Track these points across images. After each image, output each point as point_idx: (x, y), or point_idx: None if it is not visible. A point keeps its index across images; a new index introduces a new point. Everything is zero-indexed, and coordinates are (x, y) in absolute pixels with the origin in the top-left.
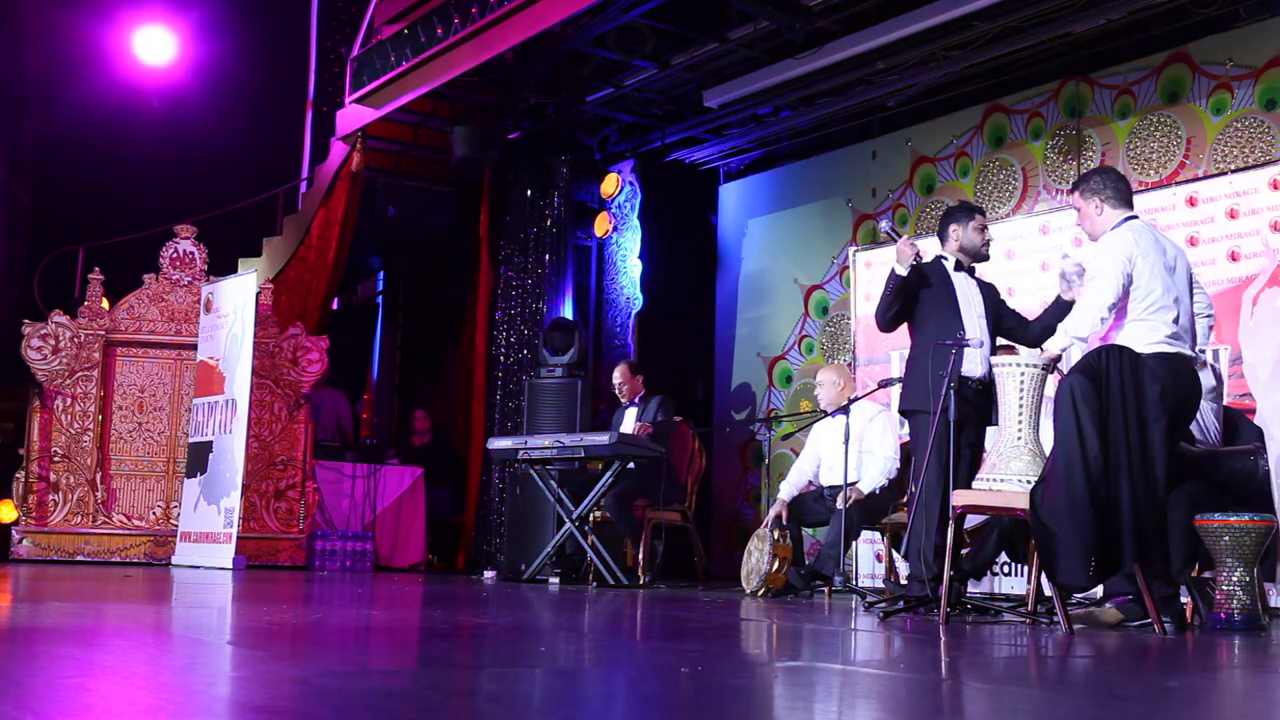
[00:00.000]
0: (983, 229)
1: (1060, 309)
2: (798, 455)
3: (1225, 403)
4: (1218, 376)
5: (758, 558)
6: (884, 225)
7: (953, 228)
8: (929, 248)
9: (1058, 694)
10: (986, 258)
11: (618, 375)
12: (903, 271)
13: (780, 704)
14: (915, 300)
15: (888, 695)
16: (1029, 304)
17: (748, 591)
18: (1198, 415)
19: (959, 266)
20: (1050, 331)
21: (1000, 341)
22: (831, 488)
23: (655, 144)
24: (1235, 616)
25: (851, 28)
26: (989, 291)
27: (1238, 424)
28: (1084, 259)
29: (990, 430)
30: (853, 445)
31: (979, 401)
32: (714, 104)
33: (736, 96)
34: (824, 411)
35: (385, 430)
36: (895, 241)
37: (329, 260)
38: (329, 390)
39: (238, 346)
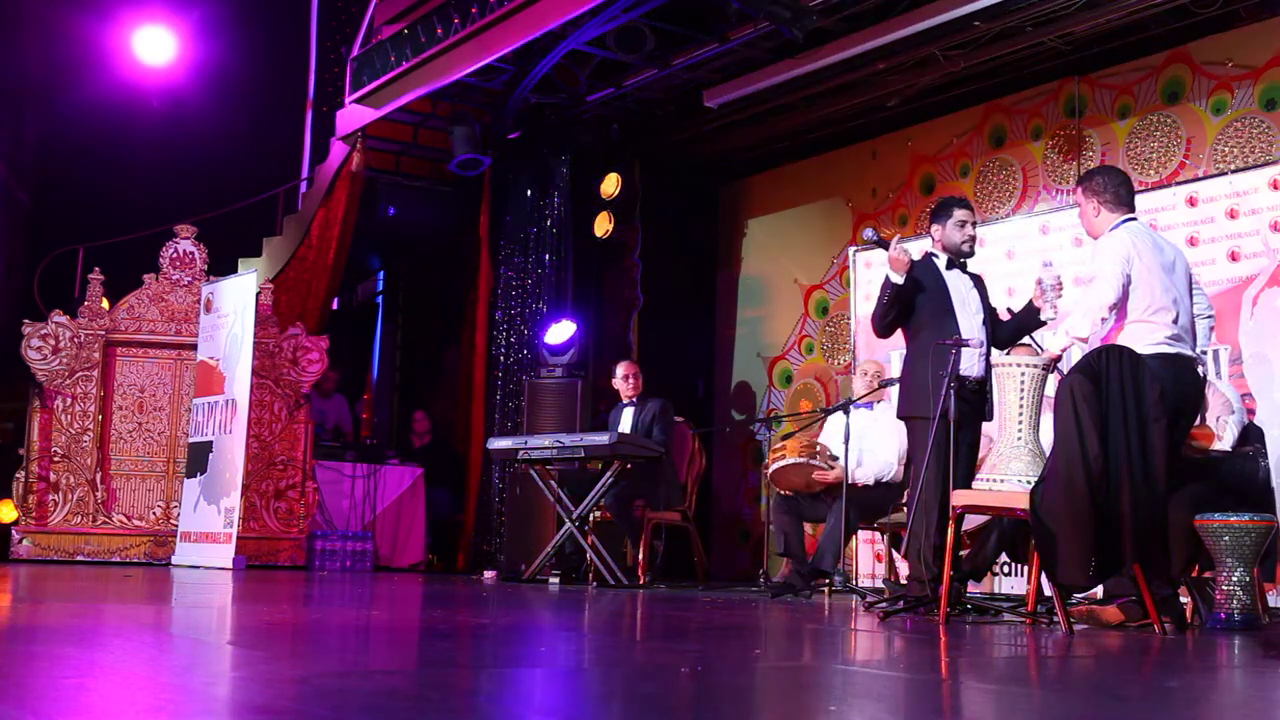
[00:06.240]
0: (962, 224)
1: (1031, 313)
2: None
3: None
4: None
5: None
6: (867, 234)
7: (934, 228)
8: (920, 249)
9: (1058, 694)
10: (969, 254)
11: (625, 369)
12: (898, 279)
13: (780, 704)
14: (911, 305)
15: (888, 695)
16: None
17: (769, 473)
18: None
19: (950, 264)
20: (1022, 333)
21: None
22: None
23: (656, 144)
24: (1235, 616)
25: (852, 28)
26: (980, 284)
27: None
28: (1061, 273)
29: (990, 430)
30: (856, 443)
31: (975, 401)
32: (714, 104)
33: (736, 96)
34: (824, 410)
35: (385, 430)
36: (884, 248)
37: (329, 260)
38: (335, 397)
39: (238, 346)
